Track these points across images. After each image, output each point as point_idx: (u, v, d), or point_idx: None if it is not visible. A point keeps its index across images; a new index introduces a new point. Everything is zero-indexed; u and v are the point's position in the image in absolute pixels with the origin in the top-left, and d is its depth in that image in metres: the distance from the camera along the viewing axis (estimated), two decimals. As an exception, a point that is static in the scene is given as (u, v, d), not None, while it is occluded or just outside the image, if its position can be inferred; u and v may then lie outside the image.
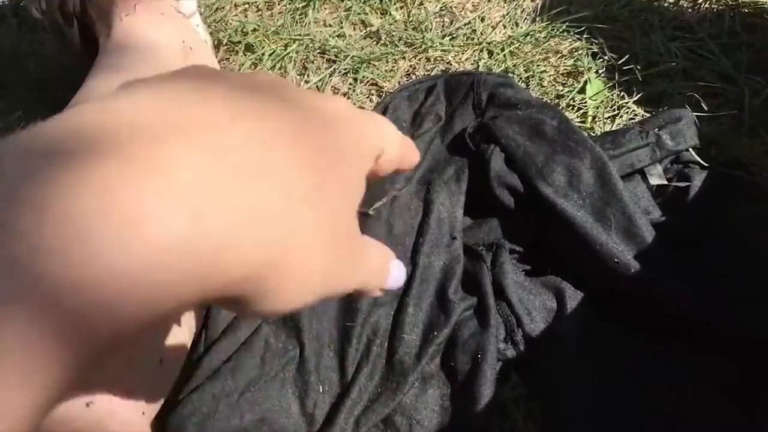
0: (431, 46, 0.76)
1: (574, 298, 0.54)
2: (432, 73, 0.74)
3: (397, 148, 0.27)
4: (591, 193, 0.56)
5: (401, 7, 0.82)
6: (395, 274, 0.27)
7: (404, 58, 0.76)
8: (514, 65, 0.73)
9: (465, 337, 0.52)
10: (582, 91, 0.70)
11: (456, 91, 0.67)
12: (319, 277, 0.21)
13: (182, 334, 0.50)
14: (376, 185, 0.60)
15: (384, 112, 0.68)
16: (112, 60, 0.62)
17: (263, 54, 0.78)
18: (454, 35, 0.77)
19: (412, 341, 0.52)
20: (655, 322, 0.53)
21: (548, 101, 0.70)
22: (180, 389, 0.53)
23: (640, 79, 0.69)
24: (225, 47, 0.79)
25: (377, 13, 0.82)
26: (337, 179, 0.22)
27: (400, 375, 0.51)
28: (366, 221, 0.58)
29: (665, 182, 0.60)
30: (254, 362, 0.53)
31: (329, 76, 0.75)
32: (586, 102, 0.69)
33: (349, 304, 0.55)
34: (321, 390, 0.51)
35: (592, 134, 0.67)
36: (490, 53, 0.75)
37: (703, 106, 0.66)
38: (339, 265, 0.22)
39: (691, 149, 0.62)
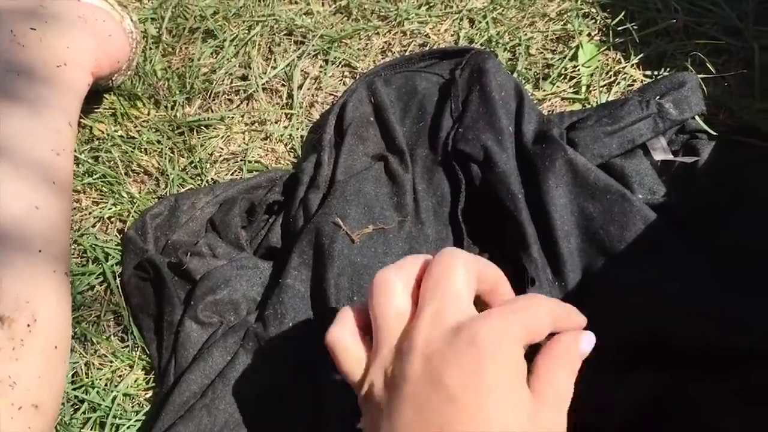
0: (407, 18, 0.70)
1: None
2: (408, 51, 0.68)
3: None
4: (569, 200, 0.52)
5: (372, -23, 0.75)
6: None
7: (378, 33, 0.70)
8: (498, 33, 0.66)
9: None
10: (574, 57, 0.63)
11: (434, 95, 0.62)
12: None
13: None
14: (365, 212, 0.54)
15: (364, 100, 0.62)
16: None
17: (225, 40, 0.71)
18: (431, 4, 0.71)
19: None
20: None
21: (522, 80, 0.64)
22: (150, 427, 0.48)
23: (637, 40, 0.63)
24: (185, 36, 0.72)
25: (346, -16, 0.75)
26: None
27: None
28: (352, 249, 0.53)
29: (671, 157, 0.54)
30: (231, 398, 0.48)
31: (298, 59, 0.69)
32: (579, 70, 0.63)
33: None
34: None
35: (588, 106, 0.61)
36: (471, 22, 0.69)
37: (709, 66, 0.59)
38: None
39: (697, 117, 0.56)
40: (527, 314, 0.33)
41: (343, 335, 0.37)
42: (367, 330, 0.38)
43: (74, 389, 0.55)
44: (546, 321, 0.34)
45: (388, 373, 0.34)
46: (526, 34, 0.66)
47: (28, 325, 0.44)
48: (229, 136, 0.66)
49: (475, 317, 0.33)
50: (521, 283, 0.51)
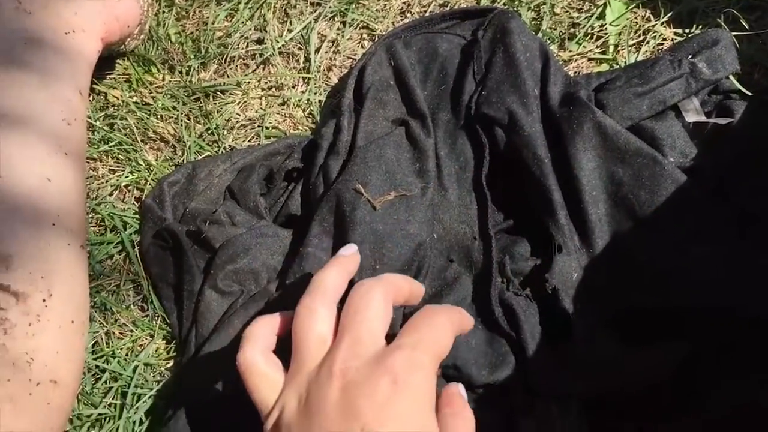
0: (426, -23, 0.67)
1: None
2: (428, 11, 0.66)
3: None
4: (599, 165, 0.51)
5: (390, -66, 0.73)
6: None
7: (397, -7, 0.67)
8: (522, -8, 0.64)
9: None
10: (601, 16, 0.61)
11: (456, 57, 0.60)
12: None
13: None
14: (386, 179, 0.53)
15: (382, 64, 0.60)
16: None
17: (239, 2, 0.69)
18: (452, -38, 0.68)
19: None
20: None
21: (547, 40, 0.62)
22: (169, 397, 0.48)
23: (668, -3, 0.60)
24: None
25: (363, -57, 0.73)
26: None
27: None
28: (374, 216, 0.51)
29: (703, 118, 0.52)
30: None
31: (314, 22, 0.67)
32: (606, 29, 0.60)
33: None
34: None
35: (616, 66, 0.59)
36: (494, -20, 0.66)
37: (743, 23, 0.57)
38: None
39: (731, 76, 0.54)
40: (434, 337, 0.35)
41: (257, 358, 0.37)
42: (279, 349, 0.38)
43: (95, 359, 0.55)
44: (451, 337, 0.36)
45: (303, 399, 0.34)
46: (550, -8, 0.64)
47: (44, 300, 0.43)
48: (245, 101, 0.65)
49: (389, 348, 0.34)
50: (548, 251, 0.50)
